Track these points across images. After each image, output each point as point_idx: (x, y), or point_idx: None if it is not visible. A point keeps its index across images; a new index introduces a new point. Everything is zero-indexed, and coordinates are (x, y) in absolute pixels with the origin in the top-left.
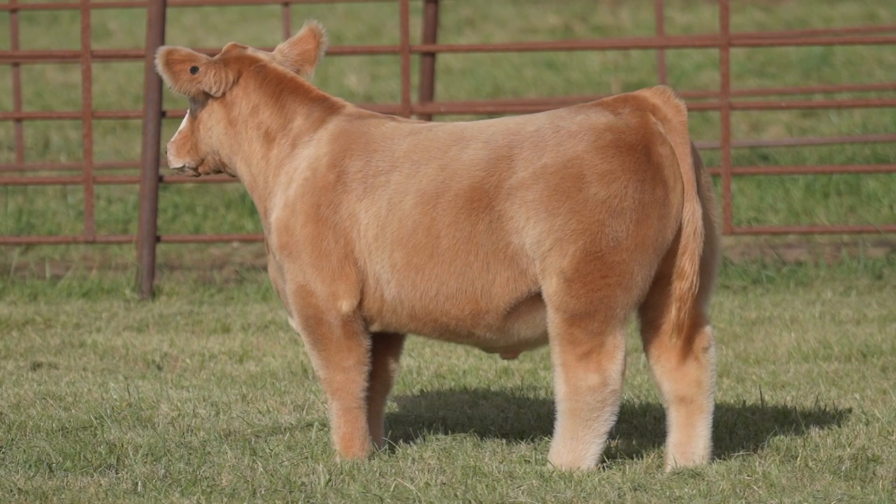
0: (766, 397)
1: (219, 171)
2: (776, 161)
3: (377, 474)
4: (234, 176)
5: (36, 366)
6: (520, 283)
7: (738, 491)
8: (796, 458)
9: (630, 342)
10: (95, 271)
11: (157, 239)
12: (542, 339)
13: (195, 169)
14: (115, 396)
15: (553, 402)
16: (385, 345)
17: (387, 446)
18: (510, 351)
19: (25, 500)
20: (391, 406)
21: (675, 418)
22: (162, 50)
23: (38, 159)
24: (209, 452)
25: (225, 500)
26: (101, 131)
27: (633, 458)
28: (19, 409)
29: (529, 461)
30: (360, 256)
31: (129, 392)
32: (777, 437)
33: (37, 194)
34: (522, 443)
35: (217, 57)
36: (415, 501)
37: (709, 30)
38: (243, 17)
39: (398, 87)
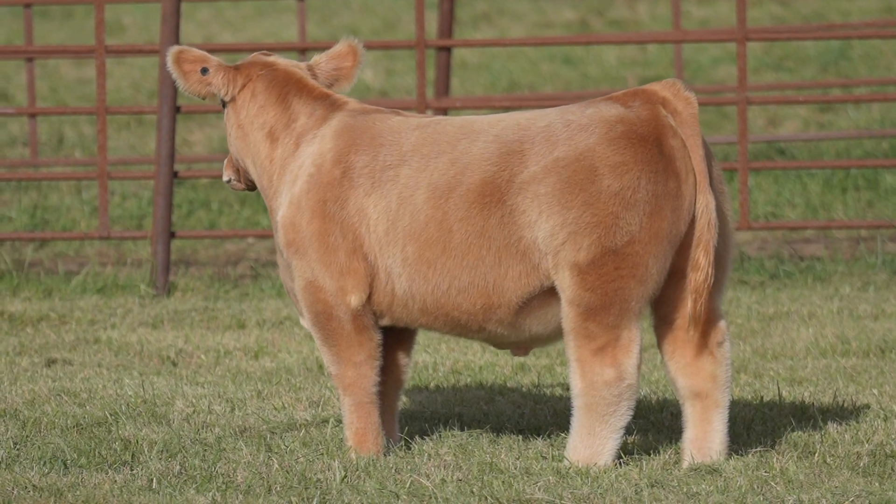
0: (784, 393)
1: (252, 185)
2: (793, 156)
3: (393, 471)
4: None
5: (51, 362)
6: (532, 277)
7: (755, 487)
8: (814, 454)
9: (646, 338)
10: (110, 267)
11: (172, 235)
12: (553, 336)
13: (240, 181)
14: (129, 393)
15: (569, 398)
16: (396, 340)
17: (402, 442)
18: (521, 347)
19: (40, 496)
20: (406, 402)
21: (690, 414)
22: (173, 49)
23: (52, 155)
24: (224, 449)
25: (240, 496)
26: (116, 127)
27: (650, 455)
28: (34, 406)
29: (546, 457)
30: (370, 251)
31: (143, 388)
32: (795, 432)
33: (51, 190)
34: (539, 439)
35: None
36: (431, 498)
37: (726, 24)
38: (258, 12)
39: (413, 81)
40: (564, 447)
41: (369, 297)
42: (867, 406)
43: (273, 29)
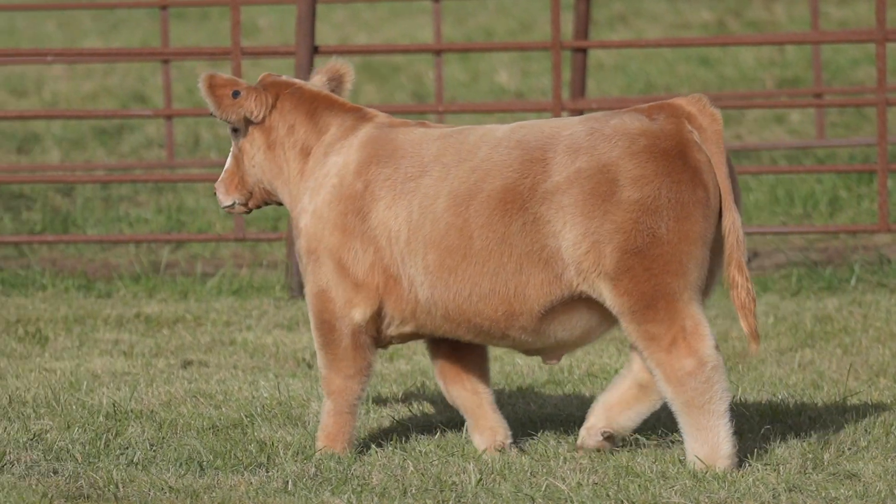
0: None
1: (267, 204)
2: None
3: (528, 474)
4: (280, 205)
5: (186, 364)
6: (554, 286)
7: (895, 492)
8: None
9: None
10: (245, 269)
11: None
12: (580, 341)
13: (245, 204)
14: (265, 395)
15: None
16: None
17: (538, 445)
18: (551, 354)
19: (177, 498)
20: (542, 405)
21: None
22: (204, 75)
23: (188, 156)
24: (359, 451)
25: (375, 499)
26: None
27: (787, 459)
28: (170, 408)
29: (683, 461)
30: (392, 262)
31: (279, 390)
32: None
33: (187, 192)
34: (675, 443)
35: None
36: (566, 501)
37: (865, 24)
38: (394, 13)
39: (549, 83)
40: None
41: (378, 313)
42: None
43: (408, 30)
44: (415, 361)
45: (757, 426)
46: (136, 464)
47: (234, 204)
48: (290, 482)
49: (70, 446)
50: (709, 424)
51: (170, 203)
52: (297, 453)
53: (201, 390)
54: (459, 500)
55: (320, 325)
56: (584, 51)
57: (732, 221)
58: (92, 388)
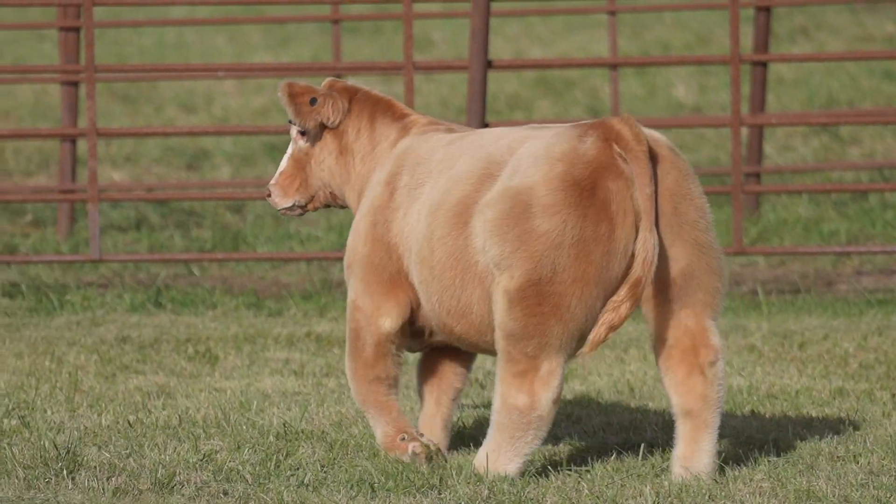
0: None
1: (328, 206)
2: None
3: (707, 497)
4: (344, 207)
5: None
6: (490, 302)
7: None
8: None
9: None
10: None
11: None
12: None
13: (303, 207)
14: None
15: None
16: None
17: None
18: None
19: None
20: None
21: (681, 431)
22: (283, 84)
23: None
24: (533, 473)
25: None
26: None
27: None
28: (341, 428)
29: (865, 485)
30: (410, 271)
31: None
32: None
33: None
34: (857, 465)
35: (324, 89)
36: None
37: None
38: (568, 27)
39: (728, 97)
40: (885, 474)
41: (415, 318)
42: None
43: (583, 44)
44: (590, 382)
45: None
46: (307, 485)
47: (293, 206)
48: None
49: (240, 467)
50: (506, 454)
51: (340, 220)
52: (470, 475)
53: None
54: None
55: (349, 332)
56: (764, 64)
57: (644, 242)
58: (262, 408)
